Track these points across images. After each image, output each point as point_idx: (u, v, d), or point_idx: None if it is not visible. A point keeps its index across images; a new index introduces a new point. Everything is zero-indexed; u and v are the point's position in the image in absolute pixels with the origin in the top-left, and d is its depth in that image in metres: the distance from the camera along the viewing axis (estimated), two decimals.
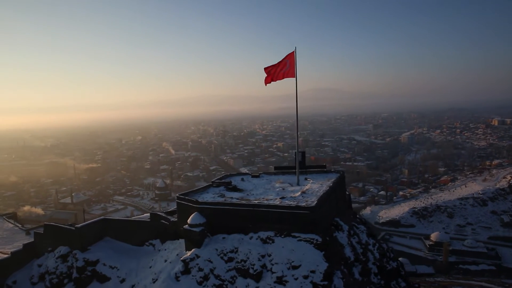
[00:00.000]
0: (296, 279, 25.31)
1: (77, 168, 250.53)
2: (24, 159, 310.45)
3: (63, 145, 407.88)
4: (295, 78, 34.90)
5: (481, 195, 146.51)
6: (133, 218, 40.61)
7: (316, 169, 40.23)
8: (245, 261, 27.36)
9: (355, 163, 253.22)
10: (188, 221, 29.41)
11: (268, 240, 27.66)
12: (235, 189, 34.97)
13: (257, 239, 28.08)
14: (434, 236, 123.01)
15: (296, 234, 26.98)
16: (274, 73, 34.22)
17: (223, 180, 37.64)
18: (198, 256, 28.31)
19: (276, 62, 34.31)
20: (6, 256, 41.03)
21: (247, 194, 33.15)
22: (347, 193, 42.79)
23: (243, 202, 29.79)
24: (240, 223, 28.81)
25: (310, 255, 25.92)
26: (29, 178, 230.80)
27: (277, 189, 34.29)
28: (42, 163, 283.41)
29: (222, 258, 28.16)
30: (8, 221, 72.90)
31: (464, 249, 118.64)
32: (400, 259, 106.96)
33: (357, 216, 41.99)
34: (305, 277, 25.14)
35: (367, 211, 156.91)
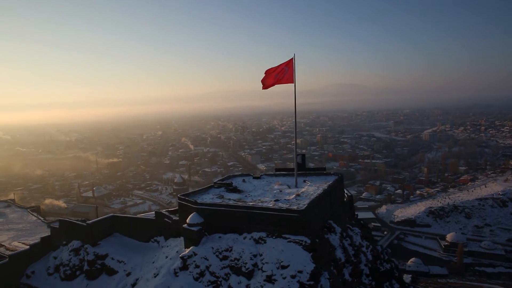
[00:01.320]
0: (284, 278, 26.76)
1: (99, 163, 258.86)
2: (50, 153, 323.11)
3: (87, 139, 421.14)
4: (293, 84, 36.06)
5: (502, 196, 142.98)
6: (139, 215, 42.92)
7: (316, 172, 41.32)
8: (238, 260, 28.99)
9: (373, 161, 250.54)
10: (187, 220, 31.27)
11: (260, 241, 29.18)
12: (235, 190, 36.56)
13: (250, 239, 29.64)
14: (450, 236, 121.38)
15: (287, 236, 28.38)
16: (273, 79, 35.43)
17: (224, 181, 39.30)
18: (195, 254, 30.11)
19: (273, 67, 35.52)
20: (26, 248, 44.35)
21: (245, 196, 34.69)
22: (348, 194, 43.74)
23: (239, 203, 31.34)
24: (235, 223, 30.43)
25: (299, 256, 27.29)
26: (55, 171, 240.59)
27: (275, 191, 35.67)
28: (66, 157, 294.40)
29: (217, 256, 29.89)
30: (32, 214, 77.47)
31: (481, 250, 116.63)
32: (413, 259, 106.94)
33: (356, 218, 42.96)
34: (293, 276, 26.55)
35: (382, 209, 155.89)
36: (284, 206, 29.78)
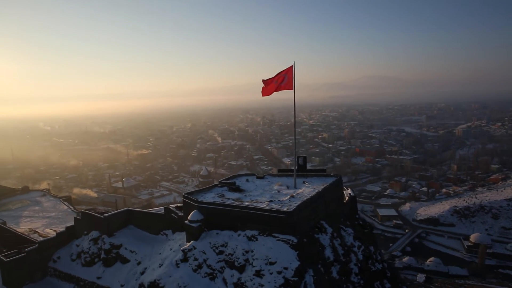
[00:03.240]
0: (271, 273, 29.11)
1: (130, 154, 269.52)
2: (85, 144, 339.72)
3: (120, 131, 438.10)
4: (293, 91, 37.94)
5: None
6: (150, 210, 46.49)
7: (317, 173, 43.09)
8: (232, 255, 31.64)
9: (401, 157, 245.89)
10: (189, 217, 34.23)
11: (252, 238, 31.60)
12: (236, 189, 39.11)
13: (244, 236, 32.12)
14: (473, 237, 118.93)
15: (276, 235, 30.63)
16: (272, 85, 37.41)
17: (228, 181, 41.92)
18: (194, 248, 33.07)
19: (274, 75, 37.50)
20: (53, 235, 49.22)
21: (245, 195, 37.12)
22: (350, 195, 45.15)
23: (235, 203, 33.87)
24: (231, 221, 32.98)
25: (285, 253, 29.54)
26: (89, 162, 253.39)
27: (273, 192, 37.89)
28: (100, 148, 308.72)
29: (214, 250, 32.67)
30: (64, 203, 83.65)
31: (507, 253, 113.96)
32: (432, 258, 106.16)
33: (357, 218, 44.28)
34: (279, 272, 28.85)
35: (406, 207, 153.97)
36: (276, 207, 32.00)
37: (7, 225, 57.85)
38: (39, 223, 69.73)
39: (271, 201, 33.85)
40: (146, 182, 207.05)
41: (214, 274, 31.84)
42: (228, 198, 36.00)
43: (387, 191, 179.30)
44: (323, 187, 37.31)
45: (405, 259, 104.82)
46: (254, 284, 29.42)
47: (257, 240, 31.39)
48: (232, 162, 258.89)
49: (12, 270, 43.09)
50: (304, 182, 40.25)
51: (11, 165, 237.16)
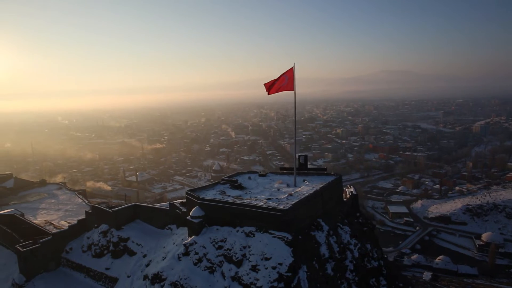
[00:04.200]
0: (266, 268, 30.45)
1: (145, 148, 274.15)
2: (101, 138, 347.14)
3: (135, 125, 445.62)
4: (294, 92, 38.94)
5: None
6: (155, 205, 48.37)
7: (317, 172, 44.09)
8: (230, 250, 33.08)
9: (415, 153, 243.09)
10: (190, 213, 35.80)
11: (250, 234, 32.97)
12: (238, 187, 40.50)
13: (242, 232, 33.51)
14: (485, 236, 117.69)
15: (272, 231, 31.91)
16: (274, 86, 38.50)
17: (231, 178, 43.33)
18: (195, 242, 34.66)
19: (276, 77, 38.57)
20: (66, 228, 51.69)
21: (245, 193, 38.48)
22: (352, 193, 46.04)
23: (235, 200, 35.27)
24: (231, 218, 34.39)
25: (280, 250, 30.82)
26: (104, 155, 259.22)
27: (273, 190, 39.13)
28: (115, 142, 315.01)
29: (213, 245, 34.18)
30: (78, 196, 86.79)
31: None
32: (441, 256, 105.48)
33: (358, 216, 45.15)
34: (274, 267, 30.16)
35: (418, 204, 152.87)
36: (273, 204, 33.22)
37: (24, 216, 60.72)
38: (55, 215, 72.69)
39: (269, 199, 35.07)
40: (159, 176, 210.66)
41: (213, 268, 33.36)
42: (229, 196, 37.40)
43: (399, 188, 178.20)
44: (321, 185, 38.35)
45: (414, 256, 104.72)
46: (250, 278, 30.80)
47: (254, 236, 32.71)
48: (245, 157, 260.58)
49: (28, 259, 45.61)
50: (304, 181, 41.32)
51: (31, 159, 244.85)
